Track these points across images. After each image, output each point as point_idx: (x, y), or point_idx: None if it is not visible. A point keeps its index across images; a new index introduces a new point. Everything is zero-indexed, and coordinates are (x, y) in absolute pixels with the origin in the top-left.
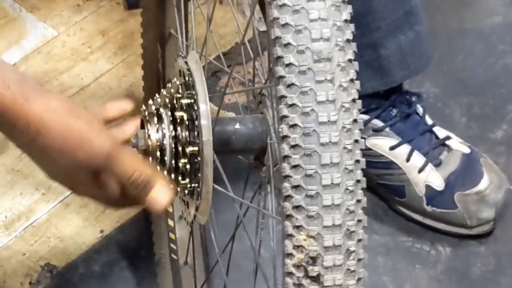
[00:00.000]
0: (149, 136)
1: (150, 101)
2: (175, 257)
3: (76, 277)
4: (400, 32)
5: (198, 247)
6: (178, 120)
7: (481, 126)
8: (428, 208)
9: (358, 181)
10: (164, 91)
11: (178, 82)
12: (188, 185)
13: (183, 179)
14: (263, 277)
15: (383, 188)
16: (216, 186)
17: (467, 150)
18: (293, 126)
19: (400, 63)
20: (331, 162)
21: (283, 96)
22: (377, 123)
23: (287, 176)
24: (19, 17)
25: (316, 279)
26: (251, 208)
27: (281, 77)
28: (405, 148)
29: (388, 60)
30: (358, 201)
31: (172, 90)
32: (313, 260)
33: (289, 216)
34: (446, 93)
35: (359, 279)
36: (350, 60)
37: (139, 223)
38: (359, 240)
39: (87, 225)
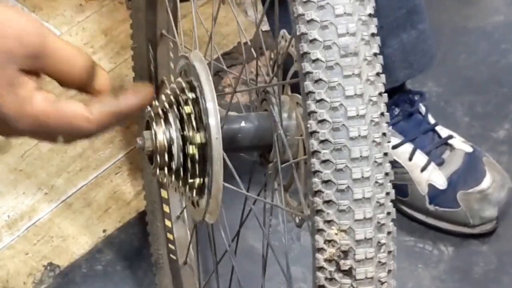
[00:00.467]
0: (155, 136)
1: (155, 102)
2: (174, 257)
3: (79, 276)
4: (403, 31)
5: (202, 245)
6: (186, 120)
7: (483, 125)
8: (431, 207)
9: (386, 174)
10: (168, 91)
11: (183, 82)
12: (196, 184)
13: (192, 178)
14: (269, 272)
15: None
16: (226, 184)
17: (469, 149)
18: (322, 121)
19: (403, 62)
20: (361, 156)
21: (310, 92)
22: None
23: (316, 171)
24: None
25: (348, 272)
26: (257, 205)
27: (308, 73)
28: (408, 147)
29: (391, 59)
30: (387, 193)
31: (177, 90)
32: (345, 254)
33: (319, 211)
34: (448, 92)
35: (389, 271)
36: (375, 54)
37: (142, 223)
38: (389, 233)
39: (90, 224)
